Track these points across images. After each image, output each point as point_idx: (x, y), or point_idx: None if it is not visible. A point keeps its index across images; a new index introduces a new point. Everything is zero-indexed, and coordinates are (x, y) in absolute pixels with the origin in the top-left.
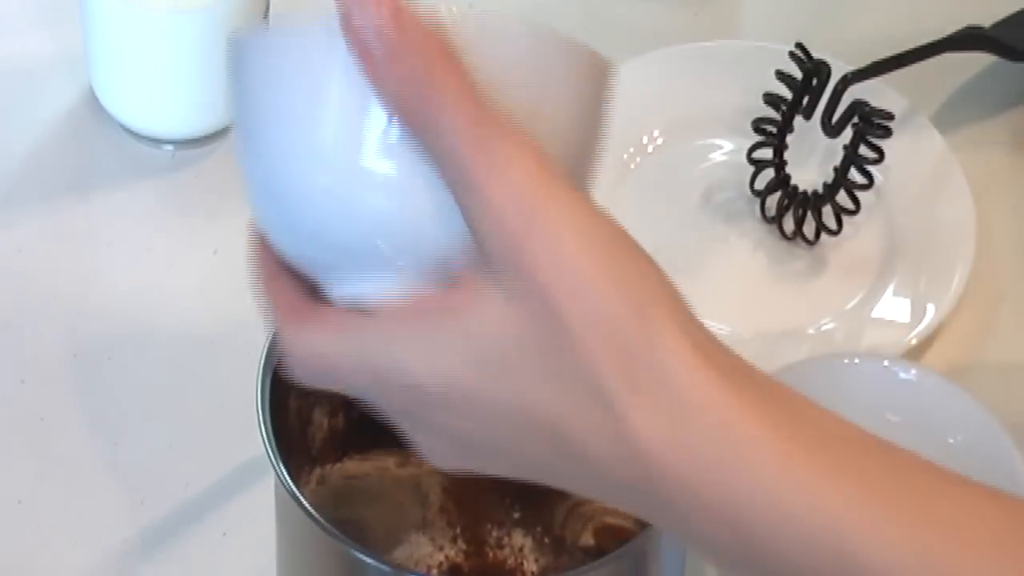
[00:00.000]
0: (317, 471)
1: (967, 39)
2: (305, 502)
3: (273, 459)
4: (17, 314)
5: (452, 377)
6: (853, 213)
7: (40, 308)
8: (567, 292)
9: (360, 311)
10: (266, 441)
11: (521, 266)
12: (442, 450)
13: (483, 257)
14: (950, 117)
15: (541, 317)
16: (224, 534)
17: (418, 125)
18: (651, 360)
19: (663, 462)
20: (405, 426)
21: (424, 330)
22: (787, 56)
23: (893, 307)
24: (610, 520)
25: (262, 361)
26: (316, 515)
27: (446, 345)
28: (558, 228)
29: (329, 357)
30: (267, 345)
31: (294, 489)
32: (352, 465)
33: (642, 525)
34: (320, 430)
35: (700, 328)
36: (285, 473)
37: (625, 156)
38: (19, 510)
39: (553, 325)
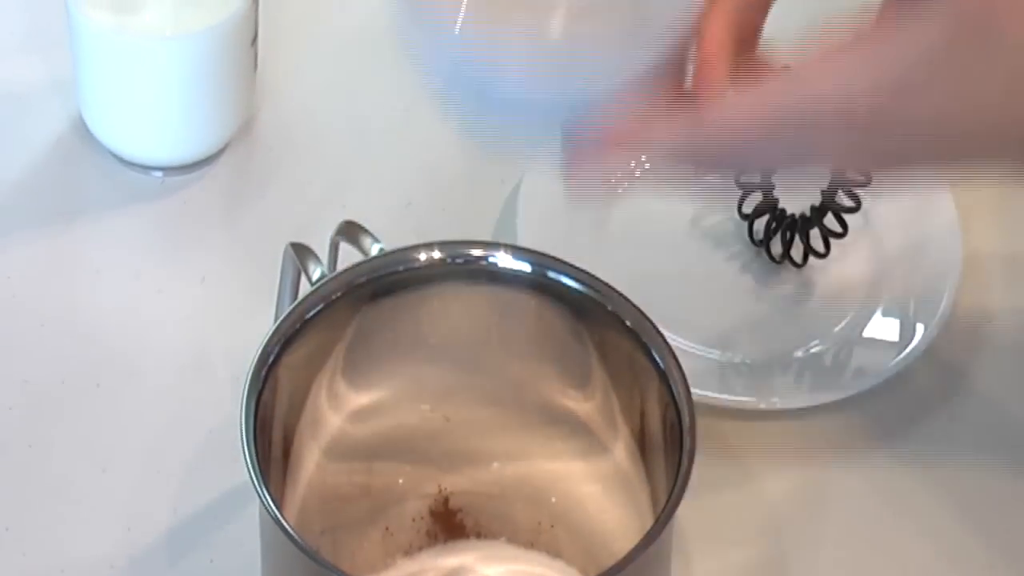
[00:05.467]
0: (301, 497)
1: None
2: (289, 528)
3: (257, 485)
4: (5, 340)
5: None
6: (841, 236)
7: (28, 334)
8: None
9: None
10: (250, 467)
11: None
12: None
13: None
14: None
15: None
16: (211, 560)
17: None
18: None
19: None
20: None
21: None
22: None
23: (882, 328)
24: None
25: (246, 388)
26: (300, 541)
27: None
28: None
29: None
30: (251, 372)
31: (278, 515)
32: (337, 490)
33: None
34: None
35: None
36: (269, 499)
37: (613, 180)
38: (6, 537)
39: None
